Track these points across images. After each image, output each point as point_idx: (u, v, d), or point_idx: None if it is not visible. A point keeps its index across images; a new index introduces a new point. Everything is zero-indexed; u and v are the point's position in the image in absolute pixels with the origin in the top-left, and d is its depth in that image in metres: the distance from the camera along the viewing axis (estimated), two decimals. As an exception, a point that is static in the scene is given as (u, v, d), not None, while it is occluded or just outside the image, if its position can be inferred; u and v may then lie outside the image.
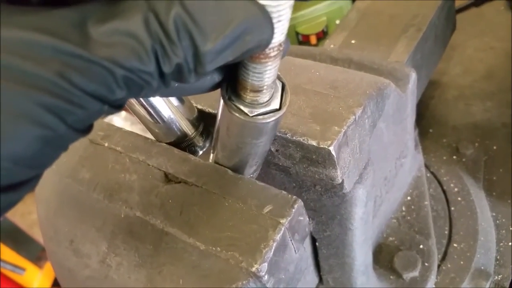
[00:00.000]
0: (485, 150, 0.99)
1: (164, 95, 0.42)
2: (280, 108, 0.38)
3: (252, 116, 0.37)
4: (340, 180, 0.48)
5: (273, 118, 0.37)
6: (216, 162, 0.48)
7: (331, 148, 0.44)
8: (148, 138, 0.52)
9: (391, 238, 0.80)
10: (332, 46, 0.81)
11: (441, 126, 1.06)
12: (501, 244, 0.88)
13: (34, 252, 1.75)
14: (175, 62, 0.27)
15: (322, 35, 1.10)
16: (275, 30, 0.28)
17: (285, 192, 0.43)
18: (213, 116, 0.53)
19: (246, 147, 0.42)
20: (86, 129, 0.28)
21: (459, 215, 0.87)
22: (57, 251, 0.54)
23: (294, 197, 0.42)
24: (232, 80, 0.37)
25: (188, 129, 0.51)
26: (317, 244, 0.66)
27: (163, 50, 0.26)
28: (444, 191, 0.91)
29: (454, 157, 0.98)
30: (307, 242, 0.65)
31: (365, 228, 0.63)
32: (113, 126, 0.54)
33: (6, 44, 0.24)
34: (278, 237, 0.40)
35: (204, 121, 0.53)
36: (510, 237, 0.88)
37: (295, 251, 0.44)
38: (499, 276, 0.85)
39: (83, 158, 0.54)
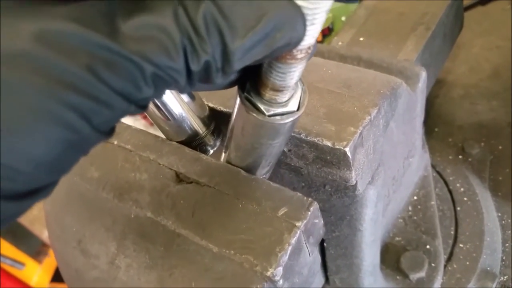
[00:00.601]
0: (490, 150, 0.98)
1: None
2: (298, 109, 0.37)
3: (269, 116, 0.36)
4: (354, 182, 0.47)
5: (290, 119, 0.36)
6: (228, 162, 0.47)
7: (347, 149, 0.44)
8: (158, 137, 0.51)
9: (397, 238, 0.79)
10: (340, 43, 0.80)
11: (447, 125, 1.05)
12: (507, 244, 0.87)
13: (34, 247, 1.74)
14: (203, 60, 0.25)
15: (328, 32, 1.09)
16: (307, 32, 0.27)
17: (300, 194, 0.42)
18: (225, 115, 0.52)
19: (262, 148, 0.41)
20: (110, 132, 0.27)
21: (465, 215, 0.87)
22: (64, 250, 0.53)
23: (310, 199, 0.41)
24: (252, 76, 0.36)
25: (199, 127, 0.50)
26: (324, 244, 0.65)
27: (192, 46, 0.25)
28: (450, 191, 0.91)
29: (460, 156, 0.98)
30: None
31: (374, 229, 0.62)
32: (122, 123, 0.53)
33: (32, 34, 0.22)
34: (293, 240, 0.39)
35: (215, 120, 0.52)
36: (516, 237, 0.88)
37: (309, 254, 0.43)
38: (505, 277, 0.84)
39: (92, 156, 0.52)
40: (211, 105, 0.51)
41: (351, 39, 0.82)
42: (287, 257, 0.39)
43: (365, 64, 0.70)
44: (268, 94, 0.35)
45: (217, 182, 0.45)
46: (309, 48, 0.30)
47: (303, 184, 0.60)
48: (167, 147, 0.49)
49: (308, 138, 0.45)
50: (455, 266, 0.81)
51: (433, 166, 0.94)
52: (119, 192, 0.48)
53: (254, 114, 0.36)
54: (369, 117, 0.46)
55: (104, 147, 0.52)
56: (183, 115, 0.48)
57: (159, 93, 0.27)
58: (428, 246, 0.78)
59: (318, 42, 1.12)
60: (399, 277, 0.75)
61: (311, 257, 0.44)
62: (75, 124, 0.23)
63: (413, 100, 0.68)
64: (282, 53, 0.29)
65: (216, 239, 0.42)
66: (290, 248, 0.39)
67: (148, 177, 0.48)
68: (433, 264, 0.77)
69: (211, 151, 0.52)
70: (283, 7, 0.25)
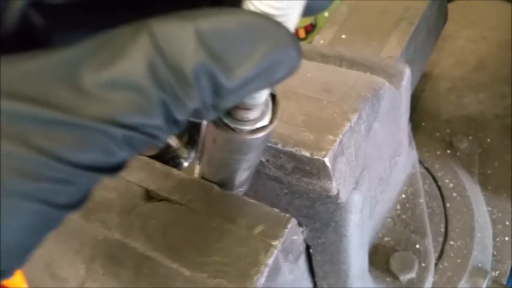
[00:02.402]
0: (479, 143, 0.95)
1: None
2: (271, 122, 0.33)
3: (240, 133, 0.32)
4: (336, 191, 0.44)
5: (263, 133, 0.33)
6: (202, 177, 0.43)
7: (326, 160, 0.40)
8: (127, 151, 0.47)
9: (386, 238, 0.76)
10: (322, 41, 0.76)
11: (433, 119, 1.02)
12: (497, 239, 0.84)
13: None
14: (191, 108, 0.21)
15: (310, 28, 1.05)
16: None
17: (277, 210, 0.38)
18: (199, 125, 0.48)
19: (235, 163, 0.37)
20: (82, 200, 0.23)
21: (455, 211, 0.84)
22: (33, 274, 0.49)
23: (287, 215, 0.38)
24: None
25: (171, 140, 0.46)
26: (311, 251, 0.62)
27: (175, 97, 0.21)
28: (439, 187, 0.87)
29: (448, 151, 0.94)
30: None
31: (361, 234, 0.59)
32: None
33: None
34: (270, 261, 0.36)
35: (190, 130, 0.48)
36: (506, 231, 0.85)
37: (288, 272, 0.39)
38: (496, 272, 0.81)
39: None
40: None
41: (333, 37, 0.78)
42: (263, 279, 0.36)
43: (348, 63, 0.66)
44: (238, 113, 0.31)
45: (189, 199, 0.41)
46: None
47: (286, 191, 0.57)
48: (136, 162, 0.45)
49: (286, 148, 0.42)
50: (446, 264, 0.78)
51: (420, 162, 0.91)
52: (86, 212, 0.44)
53: (224, 132, 0.32)
54: (349, 123, 0.43)
55: (72, 163, 0.48)
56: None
57: (137, 152, 0.23)
58: (417, 246, 0.75)
59: (301, 39, 1.08)
60: (389, 279, 0.72)
61: (292, 275, 0.40)
62: (37, 212, 0.20)
63: (397, 99, 0.64)
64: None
65: (188, 262, 0.38)
66: (266, 269, 0.36)
67: (117, 196, 0.44)
68: (423, 264, 0.73)
69: (186, 164, 0.48)
70: (278, 35, 0.21)
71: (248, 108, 0.30)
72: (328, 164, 0.40)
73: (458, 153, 0.94)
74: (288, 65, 0.23)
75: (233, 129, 0.32)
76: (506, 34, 1.11)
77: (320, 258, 0.62)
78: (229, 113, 0.32)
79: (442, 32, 0.99)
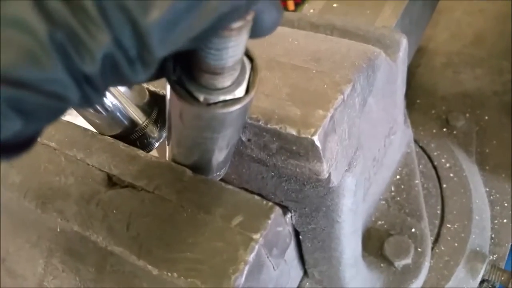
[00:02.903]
0: (476, 121, 0.90)
1: None
2: (247, 93, 0.27)
3: (209, 105, 0.26)
4: (327, 174, 0.38)
5: (237, 107, 0.27)
6: (173, 159, 0.37)
7: (315, 138, 0.34)
8: (88, 130, 0.41)
9: (380, 222, 0.71)
10: (312, 11, 0.69)
11: (429, 96, 0.97)
12: (496, 221, 0.80)
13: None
14: (100, 53, 0.16)
15: (300, 1, 0.98)
16: None
17: (258, 198, 0.32)
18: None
19: (206, 142, 0.31)
20: None
21: (452, 192, 0.79)
22: (-11, 269, 0.44)
23: (269, 203, 0.32)
24: (182, 55, 0.26)
25: (138, 117, 0.40)
26: (300, 237, 0.57)
27: (75, 38, 0.16)
28: (435, 167, 0.83)
29: (444, 129, 0.89)
30: (290, 236, 0.56)
31: (354, 220, 0.54)
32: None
33: None
34: (251, 257, 0.30)
35: (159, 106, 0.42)
36: (505, 213, 0.80)
37: (274, 267, 0.34)
38: (495, 256, 0.77)
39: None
40: (152, 88, 0.41)
41: (324, 6, 0.71)
42: (243, 278, 0.30)
43: (339, 32, 0.60)
44: (203, 78, 0.25)
45: (157, 186, 0.35)
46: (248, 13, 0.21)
47: (272, 173, 0.51)
48: (97, 143, 0.39)
49: (269, 125, 0.36)
50: (442, 248, 0.73)
51: (416, 141, 0.86)
52: (42, 200, 0.38)
53: (189, 103, 0.26)
54: (342, 96, 0.37)
55: (26, 145, 0.42)
56: (116, 103, 0.38)
57: (38, 122, 0.17)
58: (413, 230, 0.70)
59: (290, 11, 1.01)
60: (383, 265, 0.67)
61: (277, 270, 0.35)
62: None
63: (393, 71, 0.58)
64: (228, 25, 0.20)
65: (156, 259, 0.32)
66: (247, 267, 0.30)
67: (74, 182, 0.38)
68: (419, 249, 0.69)
69: (157, 144, 0.42)
70: None
71: (215, 72, 0.24)
72: (317, 143, 0.34)
73: (454, 132, 0.89)
74: (235, 8, 0.18)
75: (198, 100, 0.26)
76: (505, 6, 1.05)
77: (311, 245, 0.57)
78: (193, 78, 0.26)
79: (437, 5, 0.94)
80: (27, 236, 0.40)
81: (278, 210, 0.32)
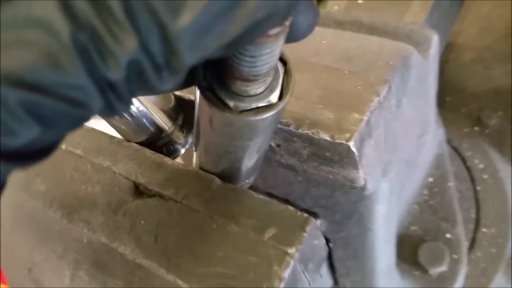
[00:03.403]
0: (510, 119, 0.87)
1: None
2: (280, 99, 0.25)
3: (241, 112, 0.25)
4: (363, 182, 0.36)
5: (270, 113, 0.25)
6: (200, 166, 0.36)
7: (351, 144, 0.32)
8: (114, 137, 0.40)
9: (413, 227, 0.68)
10: (336, 7, 0.67)
11: (459, 93, 0.93)
12: (534, 224, 0.76)
13: None
14: (125, 59, 0.15)
15: (322, -2, 0.96)
16: None
17: (292, 208, 0.31)
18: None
19: (237, 151, 0.29)
20: None
21: (487, 195, 0.76)
22: (16, 279, 0.43)
23: (305, 215, 0.30)
24: (214, 61, 0.25)
25: (163, 122, 0.39)
26: (330, 244, 0.55)
27: (99, 42, 0.15)
28: (468, 168, 0.79)
29: (476, 128, 0.86)
30: (319, 243, 0.54)
31: (388, 227, 0.51)
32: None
33: None
34: (286, 274, 0.28)
35: (184, 111, 0.40)
36: (544, 216, 0.76)
37: (309, 283, 0.32)
38: (535, 261, 0.74)
39: (38, 165, 0.41)
40: (177, 93, 0.40)
41: (348, 2, 0.69)
42: (278, 295, 0.29)
43: (367, 30, 0.58)
44: (235, 85, 0.24)
45: (185, 195, 0.34)
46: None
47: (300, 178, 0.49)
48: (124, 150, 0.38)
49: (300, 130, 0.34)
50: (479, 254, 0.70)
51: (447, 141, 0.83)
52: (68, 210, 0.38)
53: (220, 110, 0.25)
54: (378, 98, 0.35)
55: (51, 154, 0.41)
56: (142, 109, 0.37)
57: (59, 129, 0.16)
58: (448, 235, 0.67)
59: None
60: (417, 273, 0.64)
61: (313, 286, 0.33)
62: None
63: (425, 69, 0.56)
64: (264, 32, 0.18)
65: (185, 273, 0.31)
66: (282, 285, 0.28)
67: (101, 190, 0.37)
68: (455, 256, 0.66)
69: (183, 150, 0.41)
70: None
71: (248, 79, 0.23)
72: (353, 149, 0.32)
73: (487, 130, 0.85)
74: (274, 13, 0.16)
75: (230, 107, 0.24)
76: (538, -3, 1.01)
77: (342, 253, 0.55)
78: (225, 84, 0.24)
79: (466, -2, 0.90)
80: (53, 246, 0.39)
81: (314, 222, 0.30)
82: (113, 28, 0.15)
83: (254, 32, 0.17)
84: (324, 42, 0.44)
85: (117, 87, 0.16)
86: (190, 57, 0.16)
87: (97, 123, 0.41)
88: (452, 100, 0.93)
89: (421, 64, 0.53)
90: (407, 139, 0.57)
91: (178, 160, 0.41)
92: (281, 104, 0.25)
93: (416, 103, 0.56)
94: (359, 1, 0.71)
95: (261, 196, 0.32)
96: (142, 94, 0.22)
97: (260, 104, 0.25)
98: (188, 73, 0.25)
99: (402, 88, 0.42)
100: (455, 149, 0.82)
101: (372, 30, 0.57)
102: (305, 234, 0.29)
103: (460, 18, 1.03)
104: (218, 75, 0.25)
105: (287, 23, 0.20)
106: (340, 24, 0.59)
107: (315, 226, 0.30)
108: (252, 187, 0.56)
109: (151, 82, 0.16)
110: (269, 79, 0.24)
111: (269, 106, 0.25)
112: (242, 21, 0.16)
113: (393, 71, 0.39)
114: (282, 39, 0.21)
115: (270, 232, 0.30)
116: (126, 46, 0.15)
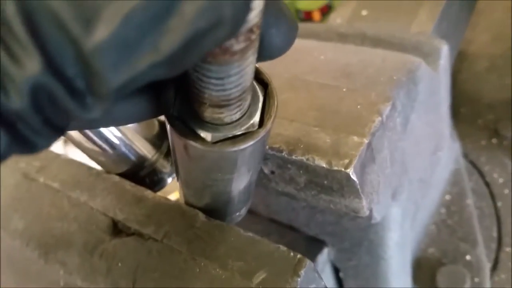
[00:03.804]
0: (529, 129, 0.81)
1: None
2: (262, 125, 0.22)
3: (216, 143, 0.21)
4: (367, 212, 0.32)
5: (250, 143, 0.21)
6: (185, 200, 0.32)
7: (350, 171, 0.28)
8: (92, 169, 0.36)
9: (431, 250, 0.63)
10: (338, 20, 0.64)
11: (474, 104, 0.88)
12: (561, 242, 0.71)
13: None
14: (27, 84, 0.12)
15: (326, 10, 0.92)
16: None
17: (284, 249, 0.27)
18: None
19: (218, 185, 0.26)
20: None
21: (508, 211, 0.70)
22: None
23: (298, 256, 0.26)
24: (181, 85, 0.21)
25: (146, 151, 0.35)
26: (341, 274, 0.50)
27: None
28: (487, 184, 0.74)
29: (494, 140, 0.81)
30: (328, 272, 0.50)
31: (402, 254, 0.47)
32: (51, 153, 0.39)
33: None
34: (277, 326, 0.24)
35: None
36: None
37: (307, 332, 0.28)
38: None
39: (16, 199, 0.38)
40: (161, 118, 0.36)
41: (351, 14, 0.65)
42: None
43: (371, 42, 0.54)
44: (206, 112, 0.20)
45: (166, 233, 0.30)
46: (251, 30, 0.15)
47: (303, 204, 0.45)
48: (102, 183, 0.34)
49: (293, 156, 0.30)
50: (503, 276, 0.64)
51: (464, 156, 0.78)
52: (44, 250, 0.34)
53: (192, 143, 0.21)
54: (380, 118, 0.31)
55: (29, 187, 0.38)
56: (122, 138, 0.33)
57: None
58: (468, 257, 0.62)
59: (316, 22, 0.96)
60: (436, 299, 0.59)
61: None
62: None
63: (436, 82, 0.52)
64: (213, 46, 0.15)
65: (165, 324, 0.27)
66: (272, 338, 0.24)
67: (78, 228, 0.33)
68: (476, 279, 0.61)
69: (170, 180, 0.37)
70: None
71: (219, 105, 0.19)
72: (353, 177, 0.28)
73: (505, 142, 0.80)
74: (213, 13, 0.13)
75: (202, 138, 0.21)
76: (552, 1, 0.96)
77: (354, 283, 0.50)
78: (195, 112, 0.21)
79: (476, 5, 0.86)
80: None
81: (309, 264, 0.26)
82: (11, 46, 0.11)
83: (198, 46, 0.13)
84: (322, 57, 0.40)
85: (24, 118, 0.13)
86: (115, 78, 0.12)
87: (76, 153, 0.37)
88: (467, 111, 0.88)
89: (430, 76, 0.48)
90: (419, 157, 0.53)
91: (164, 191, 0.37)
92: (262, 132, 0.21)
93: (428, 118, 0.52)
94: (363, 13, 0.67)
95: (250, 234, 0.28)
96: (75, 126, 0.19)
97: (238, 132, 0.21)
98: (155, 99, 0.22)
99: (409, 105, 0.38)
100: (472, 164, 0.76)
101: (377, 42, 0.54)
102: (298, 279, 0.25)
103: (471, 25, 0.99)
104: (187, 103, 0.21)
105: (253, 36, 0.16)
106: (342, 37, 0.55)
107: (311, 268, 0.26)
108: (254, 213, 0.52)
109: (70, 110, 0.13)
110: (245, 103, 0.21)
111: (248, 135, 0.21)
112: (178, 32, 0.12)
113: (397, 86, 0.35)
114: (251, 56, 0.17)
115: (259, 277, 0.26)
116: (28, 69, 0.12)
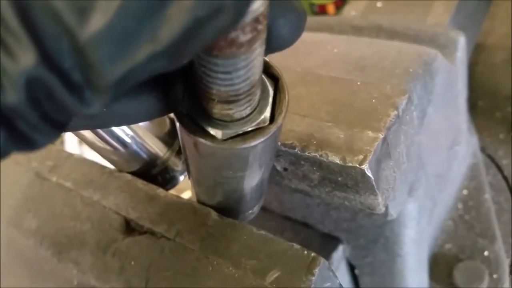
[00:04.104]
0: (549, 122, 0.79)
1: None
2: (272, 121, 0.21)
3: (226, 140, 0.20)
4: (383, 208, 0.31)
5: (260, 139, 0.21)
6: (197, 198, 0.32)
7: (365, 167, 0.27)
8: (105, 168, 0.36)
9: (448, 246, 0.62)
10: (353, 13, 0.62)
11: (491, 97, 0.86)
12: None
13: None
14: (22, 77, 0.12)
15: (340, 3, 0.91)
16: None
17: (298, 247, 0.26)
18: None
19: (230, 182, 0.25)
20: None
21: (528, 206, 0.68)
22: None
23: (312, 254, 0.25)
24: (189, 82, 0.21)
25: (158, 149, 0.35)
26: (356, 271, 0.49)
27: None
28: (505, 178, 0.72)
29: (513, 133, 0.79)
30: (343, 269, 0.49)
31: (418, 251, 0.46)
32: (64, 152, 0.39)
33: None
34: (291, 326, 0.24)
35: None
36: None
37: (322, 331, 0.27)
38: None
39: (29, 199, 0.38)
40: (173, 116, 0.36)
41: (366, 7, 0.64)
42: None
43: (386, 34, 0.52)
44: (216, 109, 0.20)
45: (178, 232, 0.29)
46: (257, 20, 0.15)
47: (318, 201, 0.44)
48: (114, 182, 0.34)
49: (306, 153, 0.29)
50: (523, 272, 0.63)
51: (481, 149, 0.76)
52: (58, 249, 0.34)
53: (202, 140, 0.20)
54: (396, 111, 0.30)
55: (42, 186, 0.38)
56: (133, 137, 0.33)
57: None
58: (486, 253, 0.61)
59: (330, 16, 0.94)
60: (454, 296, 0.58)
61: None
62: None
63: (453, 74, 0.50)
64: (216, 36, 0.14)
65: (178, 323, 0.27)
66: (286, 338, 0.24)
67: (90, 227, 0.33)
68: (494, 275, 0.59)
69: (182, 178, 0.37)
70: None
71: (228, 100, 0.19)
72: (368, 173, 0.27)
73: (525, 135, 0.78)
74: (220, 10, 0.12)
75: (214, 136, 0.20)
76: None
77: (369, 281, 0.49)
78: (204, 109, 0.20)
79: (494, -5, 0.84)
80: (45, 287, 0.36)
81: (323, 262, 0.25)
82: (5, 38, 0.11)
83: (199, 36, 0.13)
84: (336, 50, 0.39)
85: (20, 114, 0.12)
86: (113, 70, 0.12)
87: (92, 153, 0.37)
88: (485, 104, 0.86)
89: (447, 68, 0.47)
90: (436, 152, 0.51)
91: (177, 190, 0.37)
92: (273, 128, 0.21)
93: (445, 112, 0.51)
94: (378, 4, 0.66)
95: (263, 232, 0.27)
96: (81, 124, 0.18)
97: (249, 128, 0.21)
98: (163, 96, 0.22)
99: (425, 97, 0.37)
100: (490, 158, 0.75)
101: (393, 34, 0.52)
102: (312, 278, 0.24)
103: (490, 17, 0.97)
104: (195, 99, 0.20)
105: (260, 27, 0.15)
106: (357, 30, 0.54)
107: (325, 266, 0.25)
108: (268, 210, 0.52)
109: (69, 104, 0.12)
110: (255, 98, 0.20)
111: (258, 132, 0.21)
112: (177, 21, 0.12)
113: (414, 79, 0.34)
114: (259, 48, 0.16)
115: (273, 275, 0.25)
116: (23, 62, 0.11)
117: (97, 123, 0.22)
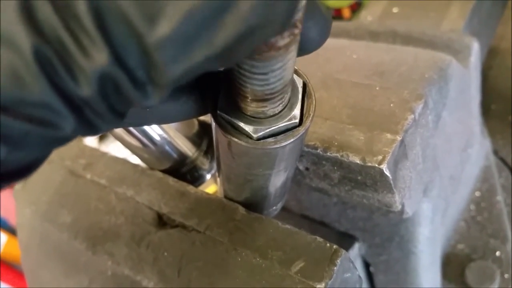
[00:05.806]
0: (562, 125, 0.80)
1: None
2: (301, 122, 0.23)
3: (258, 139, 0.23)
4: (400, 206, 0.33)
5: (290, 140, 0.23)
6: (225, 194, 0.34)
7: (384, 167, 0.29)
8: (137, 166, 0.39)
9: (460, 246, 0.64)
10: (369, 18, 0.64)
11: (505, 100, 0.87)
12: None
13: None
14: (96, 73, 0.14)
15: (356, 7, 0.93)
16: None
17: (320, 240, 0.28)
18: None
19: (258, 179, 0.27)
20: None
21: (540, 208, 0.69)
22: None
23: (335, 246, 0.28)
24: (225, 84, 0.23)
25: (187, 148, 0.37)
26: (371, 268, 0.51)
27: (65, 55, 0.13)
28: (518, 180, 0.73)
29: (526, 137, 0.80)
30: (358, 267, 0.51)
31: (432, 249, 0.47)
32: (97, 151, 0.41)
33: None
34: (315, 312, 0.26)
35: (209, 136, 0.39)
36: None
37: (342, 319, 0.29)
38: None
39: (63, 195, 0.41)
40: (200, 118, 0.38)
41: (382, 12, 0.66)
42: (308, 336, 0.26)
43: (402, 39, 0.54)
44: (251, 107, 0.22)
45: (208, 225, 0.32)
46: (295, 25, 0.17)
47: (335, 200, 0.46)
48: (147, 179, 0.37)
49: (328, 153, 0.31)
50: (534, 273, 0.64)
51: (494, 152, 0.77)
52: (92, 242, 0.37)
53: (236, 140, 0.23)
54: (413, 115, 0.32)
55: (76, 183, 0.40)
56: (165, 137, 0.36)
57: (28, 152, 0.15)
58: (497, 253, 0.62)
59: (346, 20, 0.96)
60: (466, 295, 0.60)
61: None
62: None
63: (466, 79, 0.52)
64: (261, 41, 0.16)
65: (209, 310, 0.29)
66: (311, 324, 0.26)
67: (125, 221, 0.36)
68: (506, 275, 0.60)
69: (208, 176, 0.39)
70: None
71: (263, 99, 0.21)
72: (386, 172, 0.29)
73: (537, 138, 0.79)
74: (264, 9, 0.14)
75: (246, 134, 0.22)
76: None
77: (384, 278, 0.51)
78: (240, 107, 0.22)
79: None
80: (79, 278, 0.38)
81: (345, 254, 0.27)
82: (82, 40, 0.13)
83: (248, 41, 0.15)
84: (355, 56, 0.42)
85: (91, 104, 0.14)
86: (173, 69, 0.14)
87: (120, 151, 0.40)
88: (498, 108, 0.87)
89: (461, 74, 0.49)
90: (450, 154, 0.53)
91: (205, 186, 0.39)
92: (301, 130, 0.23)
93: (458, 115, 0.52)
94: (394, 10, 0.68)
95: (288, 226, 0.30)
96: (128, 108, 0.21)
97: (281, 124, 0.23)
98: (200, 99, 0.24)
99: (440, 102, 0.39)
100: (502, 160, 0.76)
101: (408, 40, 0.54)
102: (335, 268, 0.27)
103: (504, 21, 0.98)
104: (231, 99, 0.23)
105: (297, 31, 0.17)
106: (374, 36, 0.56)
107: (346, 258, 0.27)
108: (286, 209, 0.54)
109: (132, 97, 0.15)
110: (287, 96, 0.22)
111: (288, 133, 0.23)
112: (232, 28, 0.14)
113: (429, 84, 0.36)
114: (293, 50, 0.18)
115: (298, 265, 0.27)
116: (97, 60, 0.14)
117: (141, 120, 0.25)
